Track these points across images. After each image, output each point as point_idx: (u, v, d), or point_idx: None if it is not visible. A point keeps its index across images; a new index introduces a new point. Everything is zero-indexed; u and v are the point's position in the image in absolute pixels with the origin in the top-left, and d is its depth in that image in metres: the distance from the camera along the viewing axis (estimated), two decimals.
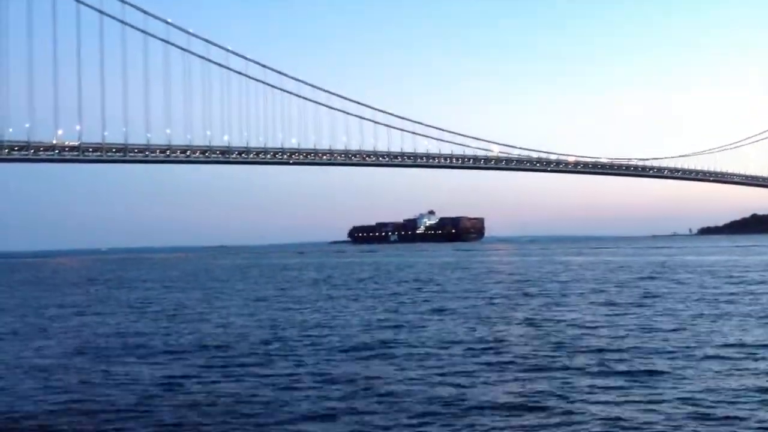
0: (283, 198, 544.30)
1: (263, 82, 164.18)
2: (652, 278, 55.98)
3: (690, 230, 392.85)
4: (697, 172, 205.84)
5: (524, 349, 22.56)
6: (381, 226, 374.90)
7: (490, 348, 23.17)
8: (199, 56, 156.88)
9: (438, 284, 55.65)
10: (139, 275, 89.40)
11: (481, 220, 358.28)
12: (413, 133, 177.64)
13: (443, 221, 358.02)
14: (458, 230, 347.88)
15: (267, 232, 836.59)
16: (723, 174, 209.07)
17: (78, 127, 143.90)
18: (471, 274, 70.46)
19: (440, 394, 16.69)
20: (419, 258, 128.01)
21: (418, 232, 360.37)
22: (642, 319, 29.82)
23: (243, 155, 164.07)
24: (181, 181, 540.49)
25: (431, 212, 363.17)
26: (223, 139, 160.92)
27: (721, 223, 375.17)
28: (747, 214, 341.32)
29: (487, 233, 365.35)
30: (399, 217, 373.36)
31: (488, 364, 20.37)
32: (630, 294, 41.81)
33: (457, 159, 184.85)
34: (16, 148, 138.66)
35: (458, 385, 17.57)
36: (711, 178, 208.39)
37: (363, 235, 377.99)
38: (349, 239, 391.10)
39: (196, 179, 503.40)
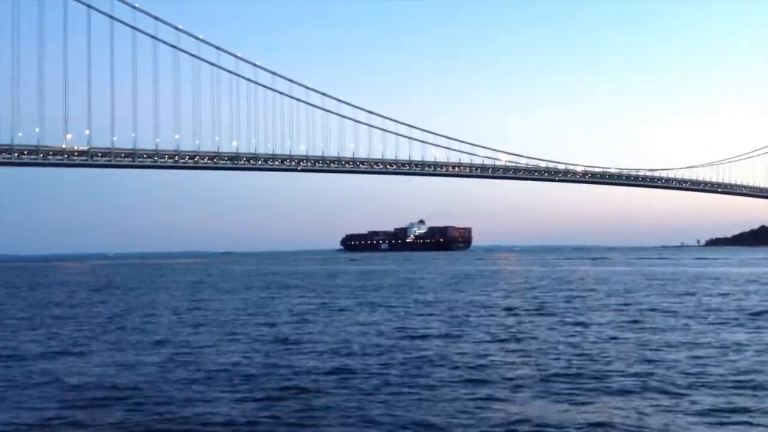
0: (278, 206, 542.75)
1: (272, 90, 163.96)
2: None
3: (698, 241, 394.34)
4: (706, 183, 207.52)
5: None
6: (372, 234, 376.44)
7: None
8: (209, 63, 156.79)
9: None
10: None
11: (468, 230, 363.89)
12: (421, 141, 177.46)
13: (432, 230, 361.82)
14: (446, 239, 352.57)
15: (264, 240, 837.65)
16: (731, 185, 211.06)
17: (87, 132, 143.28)
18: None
19: None
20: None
21: (407, 240, 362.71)
22: None
23: (251, 161, 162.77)
24: (185, 186, 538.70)
25: (421, 221, 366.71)
26: (231, 146, 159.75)
27: (729, 235, 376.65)
28: (755, 226, 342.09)
29: (473, 242, 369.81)
30: (390, 226, 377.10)
31: None
32: None
33: (465, 168, 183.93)
34: (25, 152, 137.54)
35: None
36: (719, 190, 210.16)
37: (355, 244, 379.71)
38: (341, 248, 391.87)
39: (194, 186, 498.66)
